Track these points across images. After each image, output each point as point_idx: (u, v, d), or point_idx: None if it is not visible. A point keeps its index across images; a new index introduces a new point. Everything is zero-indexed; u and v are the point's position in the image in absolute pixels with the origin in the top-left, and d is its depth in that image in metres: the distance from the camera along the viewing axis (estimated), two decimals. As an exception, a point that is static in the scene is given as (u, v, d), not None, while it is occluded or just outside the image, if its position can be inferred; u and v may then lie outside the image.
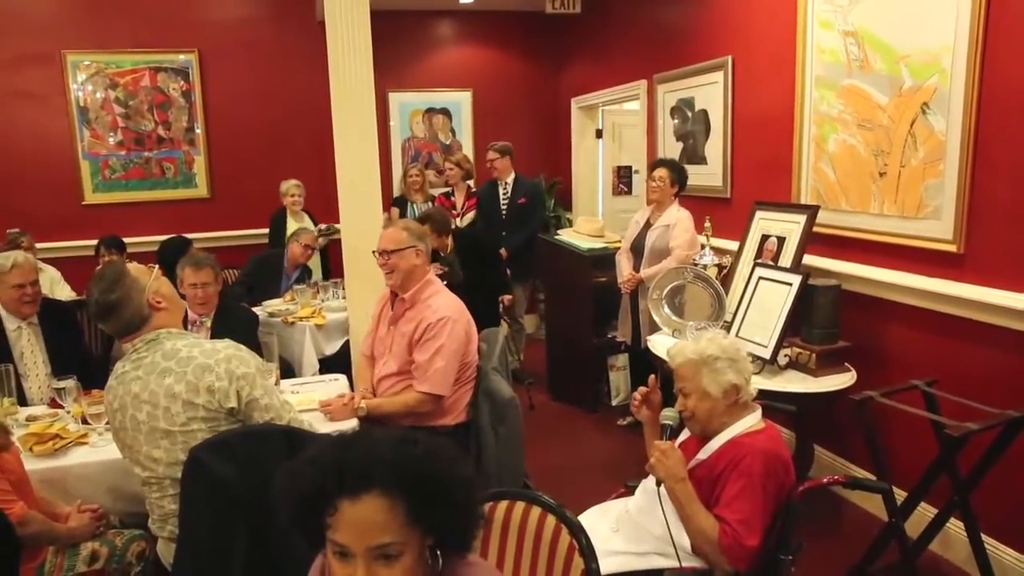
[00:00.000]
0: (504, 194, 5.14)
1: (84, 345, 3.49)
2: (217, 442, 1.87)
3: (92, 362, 3.46)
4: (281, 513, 1.06)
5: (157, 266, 2.17)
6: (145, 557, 2.19)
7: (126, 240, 4.76)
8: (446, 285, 4.33)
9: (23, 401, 2.90)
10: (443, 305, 2.71)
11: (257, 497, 1.78)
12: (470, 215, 5.39)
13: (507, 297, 4.78)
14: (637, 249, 4.09)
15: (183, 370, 1.92)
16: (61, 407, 2.65)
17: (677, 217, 3.92)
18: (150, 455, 1.96)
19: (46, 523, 2.04)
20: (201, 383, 1.91)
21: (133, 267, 2.03)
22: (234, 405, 1.95)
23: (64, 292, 4.59)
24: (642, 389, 2.20)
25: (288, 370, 3.95)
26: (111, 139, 5.65)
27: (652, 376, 2.24)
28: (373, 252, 2.76)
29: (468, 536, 1.10)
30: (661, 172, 3.97)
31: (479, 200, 5.33)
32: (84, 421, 2.47)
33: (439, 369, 2.62)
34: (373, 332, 2.92)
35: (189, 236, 4.80)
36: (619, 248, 4.56)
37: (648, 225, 4.05)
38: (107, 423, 2.42)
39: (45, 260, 4.75)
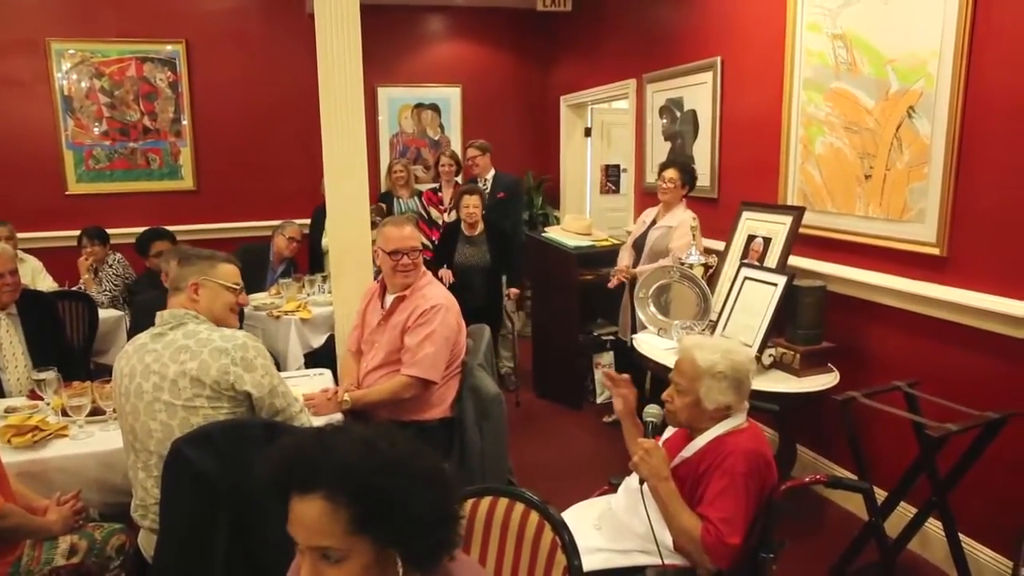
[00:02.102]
0: (484, 190, 5.13)
1: (65, 337, 3.45)
2: (199, 435, 1.87)
3: (73, 354, 3.43)
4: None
5: (242, 287, 2.26)
6: (125, 550, 2.17)
7: (110, 231, 4.70)
8: (469, 267, 4.45)
9: (1, 393, 2.87)
10: (436, 294, 2.73)
11: (238, 490, 1.78)
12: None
13: (513, 291, 4.74)
14: (639, 246, 4.07)
15: (200, 349, 2.00)
16: (41, 399, 2.62)
17: (680, 219, 3.86)
18: (146, 426, 1.99)
19: (24, 516, 2.01)
20: (215, 364, 1.98)
21: (227, 267, 2.20)
22: (249, 390, 2.02)
23: (46, 282, 4.53)
24: (612, 375, 2.24)
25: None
26: (96, 129, 5.59)
27: (626, 375, 2.26)
28: (391, 253, 2.69)
29: (431, 556, 1.06)
30: (671, 173, 3.89)
31: (454, 200, 5.31)
32: (64, 413, 2.44)
33: (428, 354, 2.62)
34: (359, 327, 2.91)
35: (173, 228, 4.74)
36: (606, 246, 4.57)
37: (653, 224, 4.03)
38: (89, 414, 2.43)
39: (27, 250, 4.69)
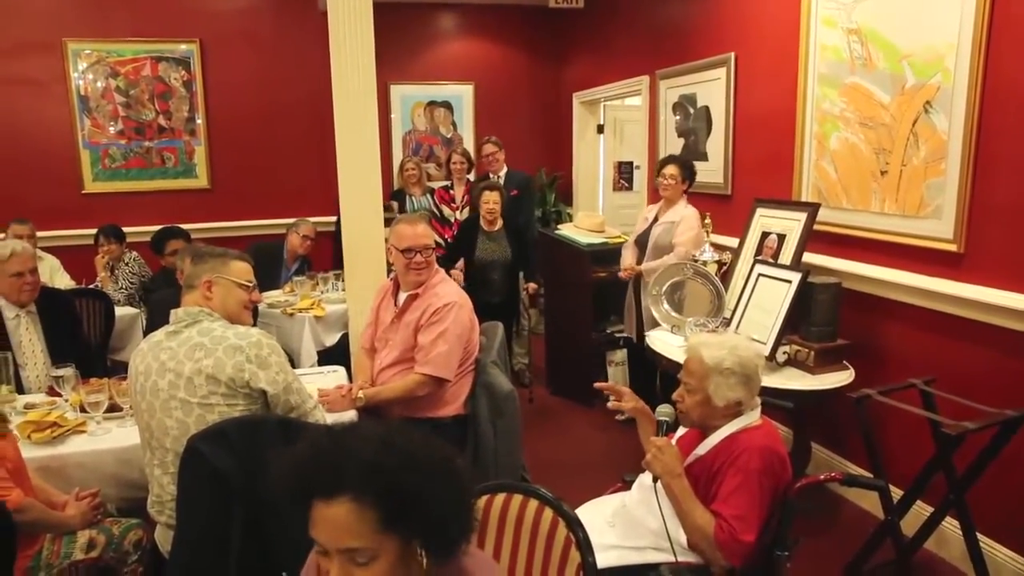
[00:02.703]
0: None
1: (82, 334, 3.49)
2: (215, 432, 1.88)
3: (90, 351, 3.47)
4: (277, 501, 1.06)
5: (255, 284, 2.27)
6: (142, 545, 2.20)
7: (125, 229, 4.75)
8: (489, 262, 4.48)
9: (21, 389, 2.90)
10: (449, 291, 2.73)
11: (254, 487, 1.79)
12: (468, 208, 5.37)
13: (532, 285, 4.73)
14: (642, 243, 4.09)
15: (215, 347, 2.01)
16: (59, 395, 2.65)
17: (683, 215, 3.90)
18: (162, 423, 2.01)
19: (43, 511, 2.04)
20: (229, 362, 2.00)
21: (240, 265, 2.21)
22: (264, 387, 2.03)
23: (63, 280, 4.58)
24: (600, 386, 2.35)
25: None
26: (111, 128, 5.64)
27: (608, 384, 2.33)
28: (404, 251, 2.68)
29: (452, 545, 1.07)
30: (672, 170, 3.92)
31: (472, 196, 5.31)
32: (82, 409, 2.47)
33: (441, 352, 2.62)
34: (373, 324, 2.92)
35: (188, 227, 4.77)
36: (619, 243, 4.57)
37: (655, 220, 4.05)
38: (106, 410, 2.45)
39: (45, 248, 4.75)
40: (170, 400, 2.00)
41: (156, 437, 2.03)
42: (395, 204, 5.53)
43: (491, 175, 5.16)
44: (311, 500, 1.00)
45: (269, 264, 4.78)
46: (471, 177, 5.55)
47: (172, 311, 2.14)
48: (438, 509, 1.03)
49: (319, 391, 2.62)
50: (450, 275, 4.41)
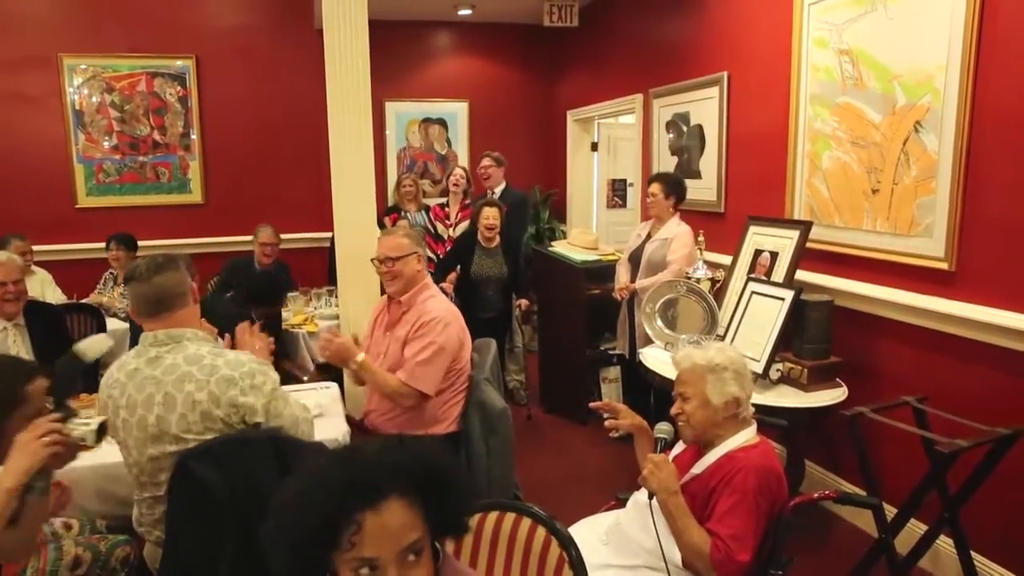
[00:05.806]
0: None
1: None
2: (203, 449, 1.85)
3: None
4: (279, 556, 1.02)
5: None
6: (130, 562, 2.16)
7: (116, 244, 4.73)
8: (486, 278, 4.48)
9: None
10: (438, 307, 2.72)
11: (244, 504, 1.77)
12: (462, 225, 5.38)
13: (523, 301, 4.72)
14: (635, 260, 4.11)
15: (206, 378, 1.88)
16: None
17: (676, 232, 3.93)
18: (154, 459, 1.92)
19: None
20: (224, 396, 1.88)
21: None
22: (261, 420, 1.93)
23: (55, 295, 4.56)
24: (596, 405, 2.35)
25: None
26: (106, 143, 5.64)
27: (604, 402, 2.36)
28: (372, 260, 2.74)
29: (466, 520, 1.15)
30: (653, 187, 4.00)
31: (472, 212, 5.32)
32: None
33: (423, 361, 2.60)
34: (368, 338, 2.91)
35: (182, 242, 4.76)
36: (613, 261, 4.58)
37: (648, 237, 4.08)
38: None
39: (37, 263, 4.72)
40: (162, 436, 1.89)
41: (147, 473, 1.94)
42: (405, 223, 5.50)
43: (488, 191, 5.17)
44: (356, 517, 0.99)
45: (244, 276, 4.73)
46: (468, 195, 5.55)
47: (152, 334, 1.94)
48: (460, 483, 1.12)
49: (322, 336, 2.66)
50: (441, 287, 4.44)
